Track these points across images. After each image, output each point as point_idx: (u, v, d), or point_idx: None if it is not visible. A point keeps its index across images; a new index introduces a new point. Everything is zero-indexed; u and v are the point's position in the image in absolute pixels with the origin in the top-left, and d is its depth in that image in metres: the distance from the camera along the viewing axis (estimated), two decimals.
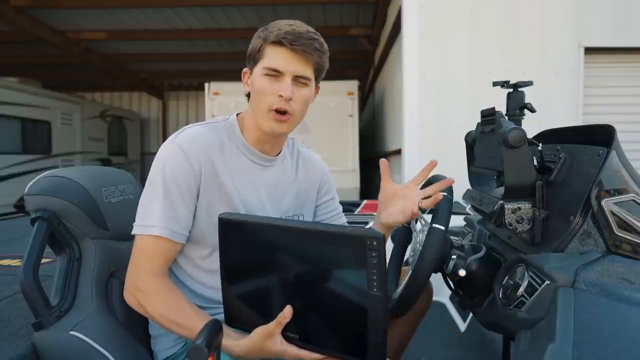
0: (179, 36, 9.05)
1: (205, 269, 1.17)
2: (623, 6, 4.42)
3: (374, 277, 0.86)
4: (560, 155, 1.10)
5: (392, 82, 6.14)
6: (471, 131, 1.48)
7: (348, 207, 2.33)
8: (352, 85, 7.30)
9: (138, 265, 1.08)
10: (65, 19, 8.18)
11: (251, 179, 1.20)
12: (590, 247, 0.98)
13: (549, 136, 1.32)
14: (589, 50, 4.41)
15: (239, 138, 1.21)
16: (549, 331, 0.81)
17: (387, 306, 0.91)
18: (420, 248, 1.08)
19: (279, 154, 1.27)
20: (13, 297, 1.32)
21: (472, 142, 1.48)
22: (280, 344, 0.97)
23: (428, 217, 1.15)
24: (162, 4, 7.53)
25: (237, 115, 1.25)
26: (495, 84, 1.41)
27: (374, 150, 8.47)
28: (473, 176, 1.51)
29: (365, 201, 3.17)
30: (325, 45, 1.16)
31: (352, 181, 6.99)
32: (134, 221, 1.11)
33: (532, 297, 0.93)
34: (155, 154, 1.15)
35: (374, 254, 0.85)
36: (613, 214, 0.96)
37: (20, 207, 6.61)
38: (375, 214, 1.27)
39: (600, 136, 1.05)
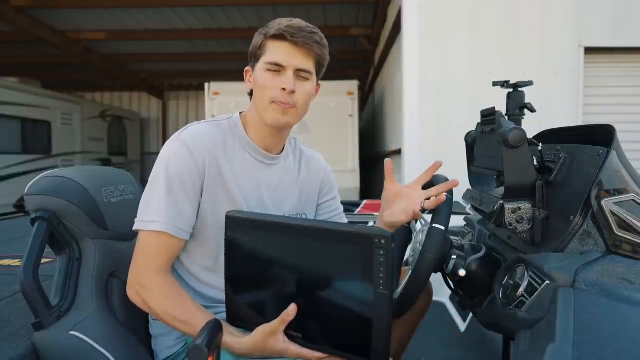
0: (179, 36, 9.05)
1: (209, 268, 1.17)
2: (623, 6, 4.42)
3: (381, 276, 0.86)
4: (560, 155, 1.10)
5: (392, 82, 6.14)
6: (471, 131, 1.48)
7: (348, 207, 2.33)
8: (352, 85, 7.30)
9: (142, 261, 1.08)
10: (65, 19, 8.18)
11: (254, 177, 1.20)
12: (590, 247, 0.98)
13: (549, 136, 1.32)
14: (589, 50, 4.41)
15: (243, 136, 1.21)
16: (549, 331, 0.81)
17: (393, 304, 0.91)
18: (420, 248, 1.08)
19: (281, 152, 1.27)
20: (13, 297, 1.32)
21: (472, 142, 1.48)
22: (282, 343, 0.97)
23: (428, 217, 1.15)
24: (162, 4, 7.53)
25: (240, 114, 1.25)
26: (495, 84, 1.42)
27: (374, 150, 8.47)
28: (473, 176, 1.51)
29: (365, 201, 3.17)
30: (325, 40, 1.17)
31: (352, 181, 6.99)
32: (134, 221, 1.11)
33: (532, 297, 0.93)
34: (155, 154, 1.15)
35: (381, 252, 0.86)
36: (613, 214, 0.96)
37: (20, 207, 6.61)
38: (375, 213, 1.27)
39: (600, 136, 1.05)
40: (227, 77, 8.02)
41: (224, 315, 1.08)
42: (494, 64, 4.35)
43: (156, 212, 1.07)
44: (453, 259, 1.12)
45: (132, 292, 1.09)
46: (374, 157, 8.05)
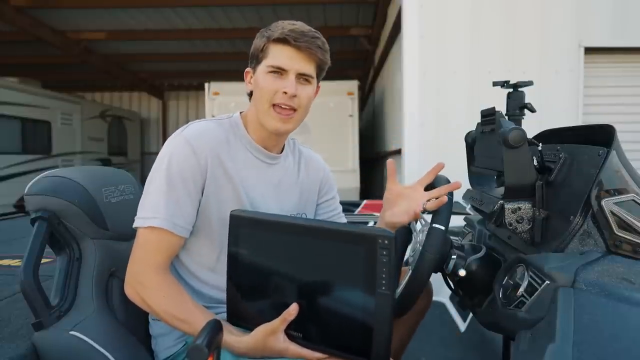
0: (179, 36, 9.06)
1: (210, 267, 1.17)
2: (623, 6, 4.42)
3: (383, 276, 0.87)
4: (560, 155, 1.10)
5: (392, 82, 6.14)
6: (471, 131, 1.48)
7: (348, 207, 2.33)
8: (352, 85, 7.31)
9: (141, 259, 1.07)
10: (65, 19, 8.18)
11: (257, 175, 1.20)
12: (590, 247, 0.98)
13: (549, 136, 1.32)
14: (589, 50, 4.42)
15: (244, 135, 1.21)
16: (549, 331, 0.81)
17: (394, 305, 0.92)
18: (420, 248, 1.08)
19: (281, 152, 1.27)
20: (13, 297, 1.32)
21: (472, 142, 1.48)
22: (283, 342, 0.97)
23: (428, 217, 1.15)
24: (162, 4, 7.53)
25: (240, 113, 1.25)
26: (495, 84, 1.42)
27: (374, 150, 8.47)
28: (473, 176, 1.51)
29: (365, 201, 3.17)
30: (327, 45, 1.17)
31: (352, 181, 6.99)
32: (135, 219, 1.10)
33: (532, 297, 0.93)
34: (155, 154, 1.14)
35: (384, 252, 0.86)
36: (613, 214, 0.96)
37: (20, 207, 6.60)
38: (375, 213, 1.27)
39: (600, 136, 1.05)
40: (227, 77, 8.02)
41: (224, 315, 1.07)
42: (494, 64, 4.35)
43: (156, 208, 1.07)
44: (453, 259, 1.12)
45: (130, 291, 1.09)
46: (374, 157, 8.05)
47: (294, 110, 1.15)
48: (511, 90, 1.38)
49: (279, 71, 1.12)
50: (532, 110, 1.35)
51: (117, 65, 11.49)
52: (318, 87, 1.24)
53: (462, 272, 1.11)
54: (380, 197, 1.26)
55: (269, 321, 0.97)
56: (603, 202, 0.96)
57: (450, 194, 1.14)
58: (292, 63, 1.12)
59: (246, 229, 1.02)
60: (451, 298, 2.62)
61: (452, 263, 1.12)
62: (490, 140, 1.29)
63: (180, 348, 1.17)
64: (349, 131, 7.15)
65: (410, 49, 4.44)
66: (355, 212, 2.85)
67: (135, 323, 1.21)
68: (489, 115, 1.29)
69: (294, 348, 0.97)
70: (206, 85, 7.13)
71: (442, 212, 1.08)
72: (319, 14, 8.01)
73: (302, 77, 1.14)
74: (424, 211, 1.16)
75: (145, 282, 1.06)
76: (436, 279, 1.22)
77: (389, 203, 1.23)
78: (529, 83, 1.36)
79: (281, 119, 1.14)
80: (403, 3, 4.51)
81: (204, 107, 7.20)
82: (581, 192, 0.98)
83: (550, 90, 4.27)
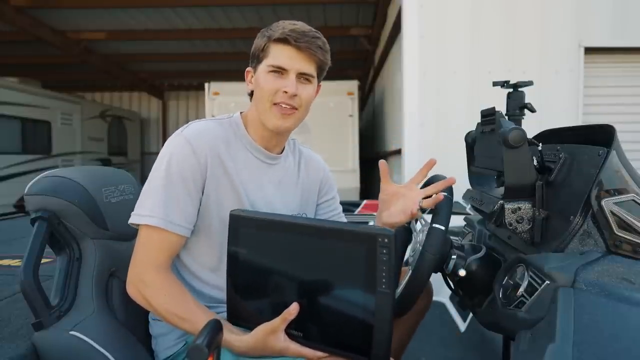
0: (179, 36, 9.05)
1: (211, 267, 1.17)
2: (623, 6, 4.42)
3: (384, 275, 0.87)
4: (560, 155, 1.10)
5: (392, 82, 6.14)
6: (471, 131, 1.48)
7: (348, 207, 2.33)
8: (352, 85, 7.30)
9: (142, 258, 1.07)
10: (65, 19, 8.18)
11: (257, 175, 1.21)
12: (590, 247, 0.98)
13: (549, 136, 1.32)
14: (589, 50, 4.42)
15: (244, 135, 1.21)
16: (549, 331, 0.81)
17: (394, 304, 0.92)
18: (420, 248, 1.08)
19: (281, 153, 1.27)
20: (13, 297, 1.32)
21: (472, 142, 1.48)
22: (283, 341, 0.97)
23: (428, 217, 1.15)
24: (162, 4, 7.53)
25: (240, 114, 1.25)
26: (495, 84, 1.42)
27: (374, 150, 8.47)
28: (473, 176, 1.51)
29: (365, 201, 3.17)
30: (328, 45, 1.18)
31: (352, 181, 6.99)
32: (131, 216, 1.10)
33: (532, 297, 0.93)
34: (155, 154, 1.14)
35: (384, 251, 0.86)
36: (613, 214, 0.96)
37: (20, 207, 6.60)
38: (375, 213, 1.27)
39: (600, 136, 1.05)
40: (227, 77, 8.02)
41: (224, 315, 1.08)
42: (494, 64, 4.35)
43: (153, 207, 1.07)
44: (453, 259, 1.12)
45: (132, 289, 1.08)
46: (374, 157, 8.04)
47: (295, 109, 1.15)
48: (511, 90, 1.38)
49: (280, 71, 1.13)
50: (532, 110, 1.35)
51: (117, 65, 11.49)
52: (319, 86, 1.24)
53: (462, 272, 1.11)
54: None
55: (269, 320, 0.97)
56: (603, 202, 0.96)
57: (451, 194, 1.14)
58: (292, 63, 1.12)
59: (246, 228, 1.02)
60: (451, 298, 2.62)
61: (452, 263, 1.12)
62: (490, 140, 1.29)
63: (180, 348, 1.17)
64: (349, 131, 7.15)
65: (410, 49, 4.44)
66: (355, 212, 2.85)
67: (135, 323, 1.21)
68: (489, 115, 1.29)
69: (295, 347, 0.97)
70: (206, 85, 7.13)
71: (442, 212, 1.08)
72: (319, 14, 8.01)
73: (303, 77, 1.15)
74: (420, 209, 1.16)
75: (147, 281, 1.06)
76: (436, 279, 1.22)
77: (385, 203, 1.22)
78: (529, 83, 1.36)
79: (282, 115, 1.14)
80: (403, 3, 4.51)
81: (204, 107, 7.20)
82: (581, 192, 0.98)
83: (550, 90, 4.27)
